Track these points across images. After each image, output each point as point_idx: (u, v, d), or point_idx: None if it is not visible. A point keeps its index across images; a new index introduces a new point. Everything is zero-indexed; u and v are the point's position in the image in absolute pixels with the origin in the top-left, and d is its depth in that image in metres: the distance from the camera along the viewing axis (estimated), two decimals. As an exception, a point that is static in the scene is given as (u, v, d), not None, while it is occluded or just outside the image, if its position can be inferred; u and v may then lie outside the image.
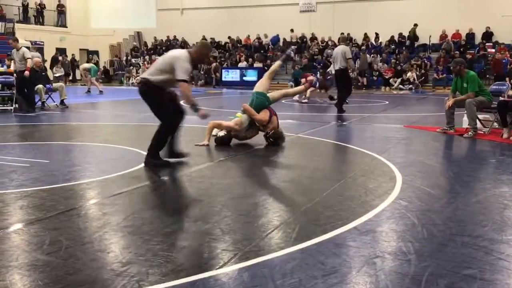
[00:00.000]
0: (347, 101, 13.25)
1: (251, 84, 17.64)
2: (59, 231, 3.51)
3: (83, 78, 20.31)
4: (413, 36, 25.75)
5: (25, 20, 30.36)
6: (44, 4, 31.33)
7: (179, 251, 3.16)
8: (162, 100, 5.68)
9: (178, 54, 5.69)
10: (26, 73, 12.22)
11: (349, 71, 12.80)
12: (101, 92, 19.60)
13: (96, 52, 32.19)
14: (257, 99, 7.14)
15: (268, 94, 7.24)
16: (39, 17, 31.07)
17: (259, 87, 7.38)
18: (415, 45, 26.00)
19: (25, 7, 30.42)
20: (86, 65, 21.48)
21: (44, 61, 20.51)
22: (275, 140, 7.16)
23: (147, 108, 5.81)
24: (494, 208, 4.18)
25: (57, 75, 21.38)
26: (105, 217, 3.87)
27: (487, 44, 24.02)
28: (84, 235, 3.44)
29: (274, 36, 28.81)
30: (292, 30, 28.42)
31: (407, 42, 25.87)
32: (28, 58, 12.46)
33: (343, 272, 2.85)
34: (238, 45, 29.35)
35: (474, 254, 3.11)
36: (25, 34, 27.77)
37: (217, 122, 7.30)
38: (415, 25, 25.36)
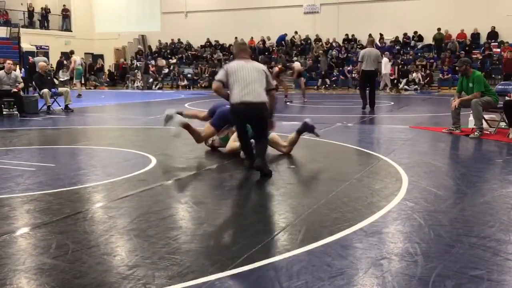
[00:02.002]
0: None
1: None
2: (66, 235, 3.52)
3: (70, 67, 20.33)
4: (439, 40, 25.17)
5: (30, 24, 30.52)
6: (49, 9, 31.50)
7: (185, 254, 3.16)
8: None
9: (258, 64, 5.85)
10: (15, 91, 12.15)
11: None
12: (79, 95, 19.45)
13: (101, 56, 32.31)
14: None
15: None
16: (44, 22, 31.23)
17: None
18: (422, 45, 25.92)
19: (30, 12, 30.58)
20: (78, 60, 21.36)
21: (51, 69, 20.63)
22: None
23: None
24: (501, 209, 4.16)
25: (62, 79, 21.45)
26: (111, 220, 3.88)
27: (492, 43, 23.94)
28: (90, 238, 3.45)
29: (281, 35, 28.69)
30: (296, 32, 28.41)
31: (434, 49, 25.38)
32: (20, 82, 12.36)
33: (349, 273, 2.84)
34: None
35: (482, 255, 3.09)
36: (30, 38, 27.95)
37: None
38: (439, 29, 25.13)
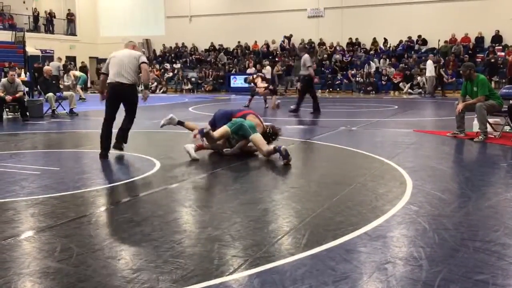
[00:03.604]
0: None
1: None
2: (70, 238, 3.52)
3: (71, 84, 20.56)
4: (444, 53, 24.40)
5: (35, 29, 30.67)
6: (54, 13, 31.65)
7: (189, 258, 3.16)
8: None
9: (133, 51, 6.98)
10: (8, 98, 12.19)
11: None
12: (83, 99, 19.58)
13: (105, 60, 32.36)
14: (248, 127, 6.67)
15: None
16: (49, 26, 31.40)
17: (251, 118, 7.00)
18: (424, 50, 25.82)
19: (35, 16, 30.73)
20: (77, 73, 21.76)
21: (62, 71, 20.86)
22: (276, 136, 6.97)
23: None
24: (506, 213, 4.15)
25: (67, 83, 21.55)
26: (115, 224, 3.89)
27: (496, 47, 23.89)
28: (94, 242, 3.46)
29: (284, 37, 28.67)
30: (285, 37, 28.35)
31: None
32: (20, 91, 12.50)
33: (354, 278, 2.84)
34: (247, 51, 29.41)
35: (486, 259, 3.08)
36: (35, 42, 28.08)
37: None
38: (446, 42, 24.92)
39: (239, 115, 7.02)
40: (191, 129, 7.21)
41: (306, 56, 13.79)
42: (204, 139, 6.51)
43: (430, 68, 21.18)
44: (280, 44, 28.60)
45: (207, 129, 6.32)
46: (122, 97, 6.81)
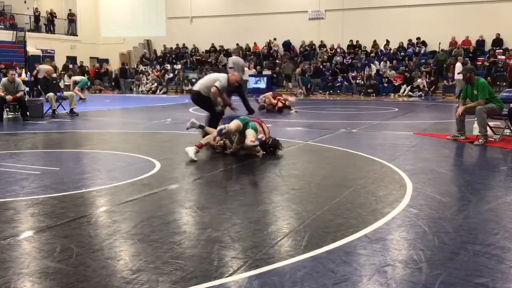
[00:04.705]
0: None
1: (261, 91, 17.68)
2: (70, 239, 3.52)
3: (71, 88, 20.70)
4: (442, 60, 24.19)
5: (36, 28, 30.70)
6: (55, 13, 31.68)
7: (188, 259, 3.16)
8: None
9: (217, 74, 8.59)
10: (9, 97, 12.21)
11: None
12: (83, 99, 19.65)
13: (106, 60, 32.44)
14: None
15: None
16: (50, 26, 31.44)
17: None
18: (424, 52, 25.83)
19: (36, 16, 30.77)
20: (77, 79, 21.98)
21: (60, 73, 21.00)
22: (274, 149, 7.03)
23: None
24: (506, 216, 4.15)
25: (67, 83, 21.58)
26: (115, 224, 3.88)
27: (497, 51, 23.89)
28: (94, 242, 3.45)
29: (285, 41, 28.74)
30: (275, 39, 28.57)
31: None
32: (21, 90, 12.48)
33: (353, 280, 2.83)
34: (247, 52, 29.42)
35: (486, 263, 3.08)
36: (36, 42, 28.11)
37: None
38: (443, 50, 24.95)
39: None
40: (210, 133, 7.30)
41: (231, 58, 13.86)
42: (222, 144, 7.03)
43: (459, 70, 21.10)
44: (268, 45, 28.70)
45: (225, 129, 6.66)
46: (192, 99, 8.54)
